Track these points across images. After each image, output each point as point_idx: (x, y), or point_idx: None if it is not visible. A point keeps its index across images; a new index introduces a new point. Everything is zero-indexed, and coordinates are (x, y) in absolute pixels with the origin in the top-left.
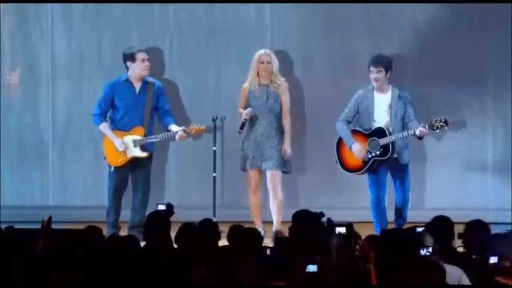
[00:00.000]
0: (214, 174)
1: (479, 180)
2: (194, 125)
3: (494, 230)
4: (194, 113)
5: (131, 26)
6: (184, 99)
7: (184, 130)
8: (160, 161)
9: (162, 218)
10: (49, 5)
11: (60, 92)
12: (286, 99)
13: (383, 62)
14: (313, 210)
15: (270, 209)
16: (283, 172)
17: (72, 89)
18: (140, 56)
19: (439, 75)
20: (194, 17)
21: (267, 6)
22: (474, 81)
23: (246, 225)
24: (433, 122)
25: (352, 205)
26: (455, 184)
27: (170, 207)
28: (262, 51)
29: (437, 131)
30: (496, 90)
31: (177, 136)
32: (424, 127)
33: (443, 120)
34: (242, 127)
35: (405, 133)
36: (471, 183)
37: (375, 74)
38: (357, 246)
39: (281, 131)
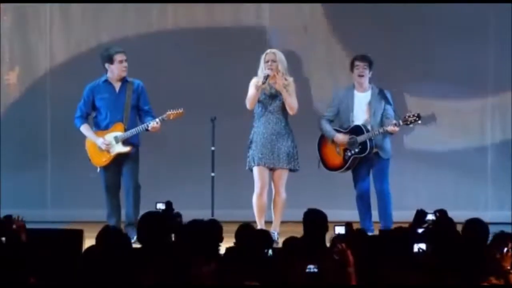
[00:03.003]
0: (213, 174)
1: (478, 180)
2: (171, 110)
3: (494, 230)
4: (193, 113)
5: (130, 26)
6: (183, 99)
7: (159, 120)
8: (159, 161)
9: (155, 218)
10: (48, 5)
11: (59, 91)
12: (293, 96)
13: (369, 59)
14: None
15: (272, 208)
16: (291, 170)
17: (71, 88)
18: (118, 57)
19: (439, 76)
20: (193, 17)
21: (266, 6)
22: (474, 81)
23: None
24: (406, 116)
25: (350, 206)
26: (454, 184)
27: (169, 204)
28: (268, 50)
29: (411, 125)
30: (496, 89)
31: (150, 127)
32: (395, 125)
33: (416, 115)
34: (264, 82)
35: (380, 130)
36: (470, 183)
37: (361, 69)
38: (335, 250)
39: (290, 130)
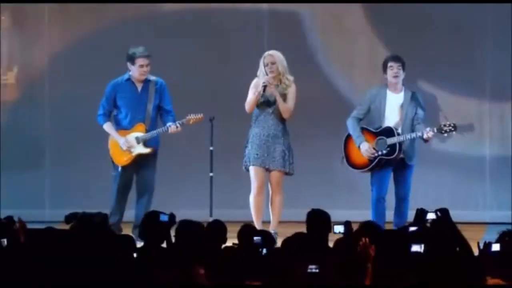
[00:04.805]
0: (211, 174)
1: (477, 179)
2: (191, 115)
3: (493, 230)
4: (191, 113)
5: (128, 26)
6: (182, 99)
7: (179, 124)
8: (157, 160)
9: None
10: (46, 5)
11: (57, 92)
12: (291, 99)
13: (403, 60)
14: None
15: (269, 209)
16: (286, 173)
17: (70, 88)
18: (140, 61)
19: (437, 76)
20: (192, 18)
21: (265, 6)
22: (473, 81)
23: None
24: (442, 126)
25: (350, 206)
26: (453, 184)
27: (172, 217)
28: (265, 53)
29: (446, 135)
30: (494, 89)
31: (169, 130)
32: (432, 130)
33: (452, 125)
34: (262, 91)
35: (413, 135)
36: (469, 183)
37: (396, 69)
38: (360, 243)
39: (286, 133)
